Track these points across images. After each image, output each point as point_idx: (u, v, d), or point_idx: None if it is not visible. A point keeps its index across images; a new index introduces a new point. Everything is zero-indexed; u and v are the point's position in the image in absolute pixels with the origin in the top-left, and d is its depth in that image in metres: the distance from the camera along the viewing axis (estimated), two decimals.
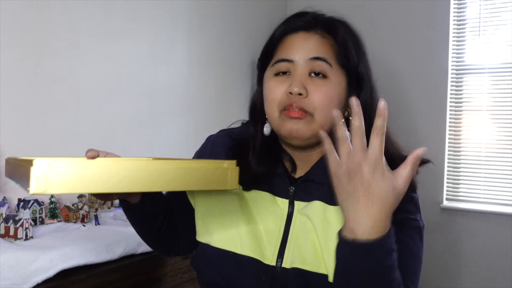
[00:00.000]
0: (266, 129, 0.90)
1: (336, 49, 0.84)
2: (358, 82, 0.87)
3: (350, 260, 0.69)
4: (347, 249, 0.69)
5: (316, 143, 0.87)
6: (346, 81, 0.85)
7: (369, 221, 0.66)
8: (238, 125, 1.00)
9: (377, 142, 0.67)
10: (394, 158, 0.85)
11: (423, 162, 0.87)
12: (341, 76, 0.84)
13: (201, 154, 0.99)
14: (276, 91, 0.84)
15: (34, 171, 0.55)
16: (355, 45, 0.86)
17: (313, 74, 0.83)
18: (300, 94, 0.81)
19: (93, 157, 0.81)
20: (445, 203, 2.94)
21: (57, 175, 0.56)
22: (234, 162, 0.69)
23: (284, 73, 0.85)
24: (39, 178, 0.55)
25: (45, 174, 0.55)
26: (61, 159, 0.57)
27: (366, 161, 0.66)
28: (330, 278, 0.78)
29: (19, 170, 0.66)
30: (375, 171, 0.66)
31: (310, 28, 0.86)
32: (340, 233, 0.70)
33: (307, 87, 0.82)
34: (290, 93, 0.81)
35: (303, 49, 0.84)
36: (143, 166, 0.61)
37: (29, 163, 0.57)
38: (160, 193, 0.96)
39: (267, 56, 0.89)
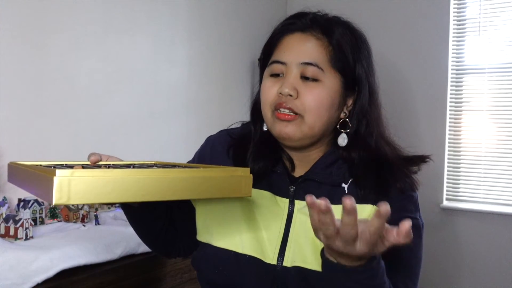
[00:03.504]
0: (266, 126, 0.90)
1: (331, 51, 0.84)
2: (356, 84, 0.86)
3: (335, 280, 0.70)
4: (330, 269, 0.70)
5: (312, 143, 0.87)
6: (341, 84, 0.85)
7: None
8: (238, 125, 1.01)
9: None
10: (393, 161, 0.86)
11: (424, 160, 0.88)
12: (335, 79, 0.84)
13: (201, 155, 0.99)
14: (269, 91, 0.85)
15: (56, 182, 0.55)
16: (352, 47, 0.86)
17: (305, 78, 0.83)
18: (290, 96, 0.81)
19: (96, 161, 0.81)
20: (445, 203, 2.94)
21: (78, 186, 0.56)
22: (247, 169, 0.70)
23: (279, 74, 0.85)
24: (61, 189, 0.55)
25: (67, 184, 0.55)
26: (81, 170, 0.58)
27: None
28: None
29: (32, 178, 0.66)
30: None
31: (307, 29, 0.85)
32: (323, 252, 0.71)
33: (298, 89, 0.82)
34: (281, 93, 0.82)
35: (296, 52, 0.84)
36: (162, 176, 0.62)
37: (49, 172, 0.57)
38: None
39: (267, 55, 0.90)
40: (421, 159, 0.88)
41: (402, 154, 0.87)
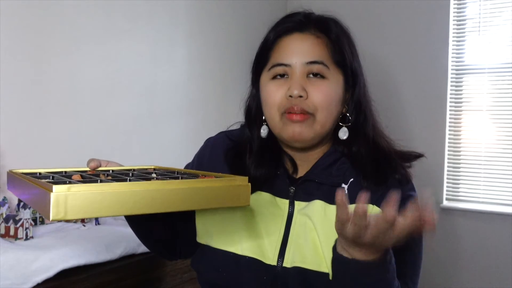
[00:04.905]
0: (263, 132, 0.90)
1: (331, 48, 0.85)
2: (353, 78, 0.87)
3: (347, 276, 0.71)
4: (343, 265, 0.70)
5: (318, 143, 0.87)
6: (343, 79, 0.86)
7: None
8: (237, 126, 1.01)
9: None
10: (390, 153, 0.87)
11: (417, 156, 0.88)
12: (338, 74, 0.85)
13: (200, 157, 0.99)
14: (275, 95, 0.84)
15: (53, 198, 0.55)
16: (348, 42, 0.87)
17: (311, 75, 0.83)
18: (300, 97, 0.81)
19: (96, 167, 0.81)
20: (445, 203, 2.94)
21: (75, 200, 0.56)
22: (245, 178, 0.70)
23: (282, 75, 0.85)
24: (58, 205, 0.55)
25: (64, 200, 0.56)
26: (78, 185, 0.58)
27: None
28: (331, 277, 0.78)
29: (30, 191, 0.66)
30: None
31: (304, 28, 0.86)
32: (335, 249, 0.71)
33: (306, 89, 0.82)
34: (290, 96, 0.82)
35: (299, 52, 0.84)
36: (159, 188, 0.62)
37: (46, 188, 0.57)
38: None
39: (262, 59, 0.89)
40: (415, 156, 0.88)
41: (395, 147, 0.89)
